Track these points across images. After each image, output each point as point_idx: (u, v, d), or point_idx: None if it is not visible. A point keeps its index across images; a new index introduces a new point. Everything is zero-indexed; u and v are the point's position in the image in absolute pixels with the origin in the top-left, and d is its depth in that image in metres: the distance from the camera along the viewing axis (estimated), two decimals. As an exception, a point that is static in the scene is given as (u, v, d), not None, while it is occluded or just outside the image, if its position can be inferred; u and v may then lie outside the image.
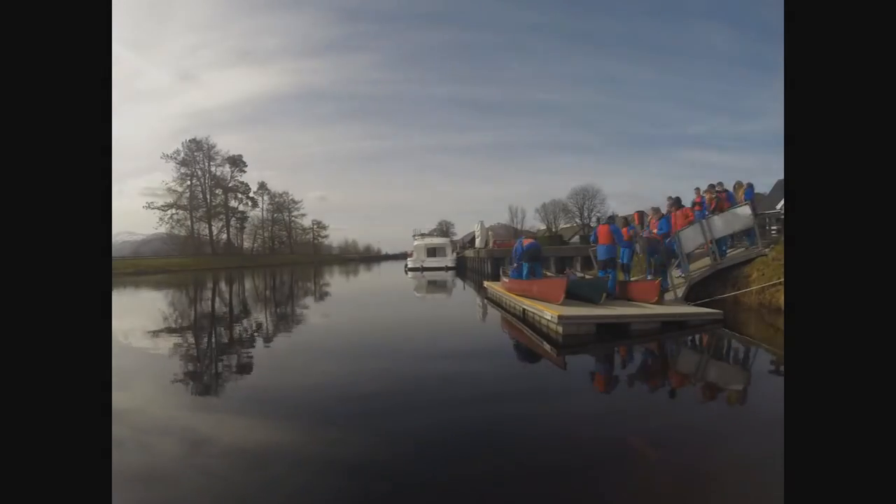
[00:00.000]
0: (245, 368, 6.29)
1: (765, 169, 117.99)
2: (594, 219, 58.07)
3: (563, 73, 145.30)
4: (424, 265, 36.55)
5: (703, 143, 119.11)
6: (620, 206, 64.15)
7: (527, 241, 10.83)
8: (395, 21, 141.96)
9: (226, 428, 3.95)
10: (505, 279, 12.13)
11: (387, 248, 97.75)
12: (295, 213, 78.92)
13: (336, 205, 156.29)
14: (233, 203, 69.72)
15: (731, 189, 11.39)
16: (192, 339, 8.88)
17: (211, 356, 7.32)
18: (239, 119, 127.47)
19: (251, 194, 71.66)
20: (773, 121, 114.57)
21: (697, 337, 7.19)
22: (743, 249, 10.64)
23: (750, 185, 11.38)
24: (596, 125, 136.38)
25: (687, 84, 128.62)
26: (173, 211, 63.64)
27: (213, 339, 9.00)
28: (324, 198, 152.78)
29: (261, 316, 12.43)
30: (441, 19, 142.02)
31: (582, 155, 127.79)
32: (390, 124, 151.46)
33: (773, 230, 11.65)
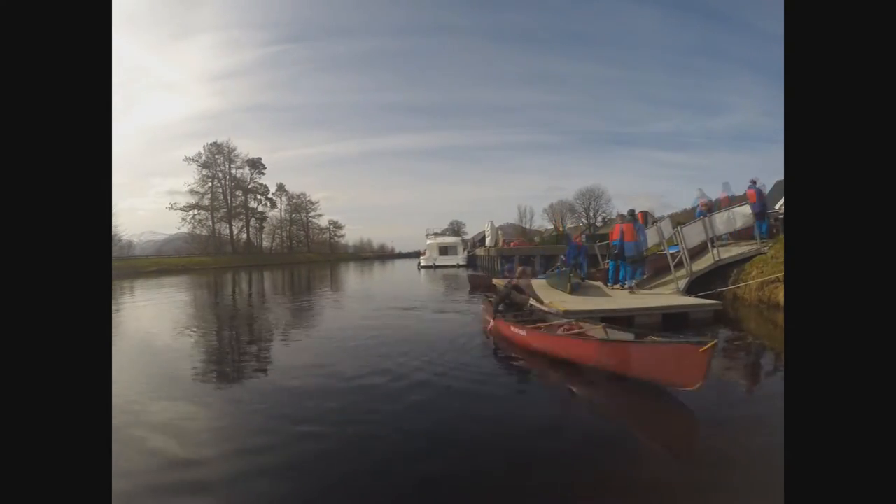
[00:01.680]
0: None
1: (732, 165, 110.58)
2: (600, 218, 58.88)
3: (497, 74, 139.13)
4: (437, 263, 36.94)
5: (669, 140, 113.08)
6: (625, 206, 64.53)
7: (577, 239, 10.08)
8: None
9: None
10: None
11: (400, 247, 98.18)
12: (312, 213, 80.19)
13: (346, 204, 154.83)
14: (252, 204, 70.95)
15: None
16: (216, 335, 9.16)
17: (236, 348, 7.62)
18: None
19: (270, 195, 72.78)
20: (739, 115, 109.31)
21: (699, 331, 7.17)
22: (745, 247, 10.65)
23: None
24: (555, 125, 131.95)
25: (642, 79, 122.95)
26: (195, 211, 64.88)
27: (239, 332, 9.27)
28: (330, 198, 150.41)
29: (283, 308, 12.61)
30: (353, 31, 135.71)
31: (546, 156, 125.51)
32: (332, 131, 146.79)
33: (774, 229, 11.63)
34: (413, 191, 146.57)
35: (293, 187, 78.09)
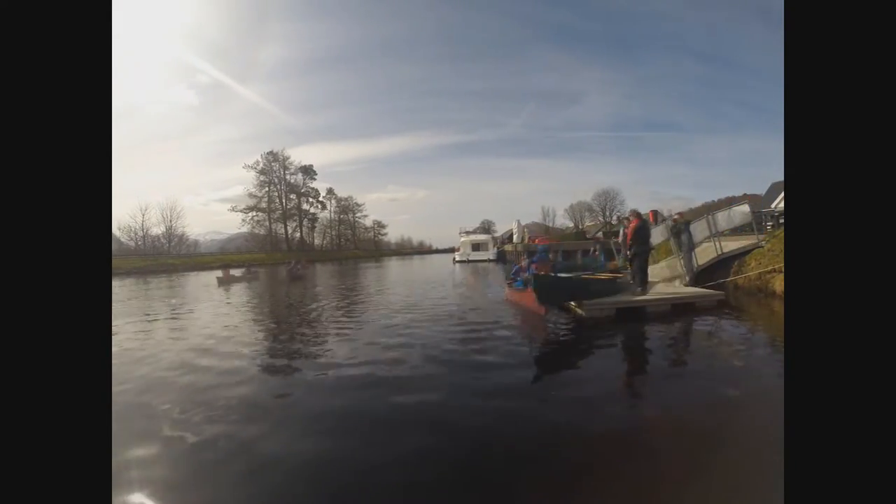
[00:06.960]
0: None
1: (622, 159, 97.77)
2: (615, 217, 60.03)
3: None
4: (470, 258, 37.69)
5: (520, 136, 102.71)
6: (633, 205, 64.10)
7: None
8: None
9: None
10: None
11: (436, 244, 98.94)
12: (358, 214, 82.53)
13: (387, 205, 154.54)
14: (305, 206, 73.76)
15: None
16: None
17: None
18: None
19: (320, 198, 75.03)
20: (597, 100, 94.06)
21: (705, 318, 7.09)
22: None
23: None
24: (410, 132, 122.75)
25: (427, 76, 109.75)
26: (254, 213, 67.63)
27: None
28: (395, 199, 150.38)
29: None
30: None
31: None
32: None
33: (769, 226, 11.64)
34: (444, 192, 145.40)
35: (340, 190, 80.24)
